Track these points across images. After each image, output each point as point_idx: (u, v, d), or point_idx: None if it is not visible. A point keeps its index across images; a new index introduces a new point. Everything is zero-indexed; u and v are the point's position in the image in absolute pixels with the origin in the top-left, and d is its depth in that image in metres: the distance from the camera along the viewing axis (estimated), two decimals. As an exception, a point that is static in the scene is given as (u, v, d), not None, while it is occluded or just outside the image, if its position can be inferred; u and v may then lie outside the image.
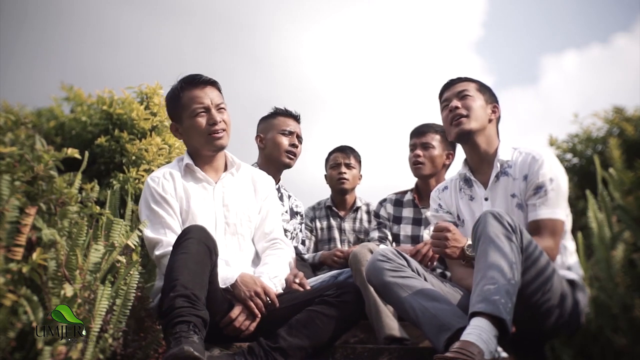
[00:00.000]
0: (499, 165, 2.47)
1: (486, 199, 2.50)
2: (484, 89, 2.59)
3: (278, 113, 3.44)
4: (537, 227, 2.33)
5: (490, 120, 2.53)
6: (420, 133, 3.41)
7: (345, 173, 3.94)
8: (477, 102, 2.53)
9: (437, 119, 3.58)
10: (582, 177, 2.90)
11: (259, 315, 2.39)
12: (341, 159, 3.97)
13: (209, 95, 2.64)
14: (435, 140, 3.38)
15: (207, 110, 2.62)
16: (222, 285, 2.39)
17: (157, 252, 2.48)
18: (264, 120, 3.49)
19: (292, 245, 2.75)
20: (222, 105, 2.66)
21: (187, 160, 2.66)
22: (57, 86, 3.42)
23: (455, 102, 2.52)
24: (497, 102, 2.59)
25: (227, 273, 2.43)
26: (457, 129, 2.50)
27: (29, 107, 3.14)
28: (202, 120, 2.61)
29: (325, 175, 4.14)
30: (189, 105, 2.63)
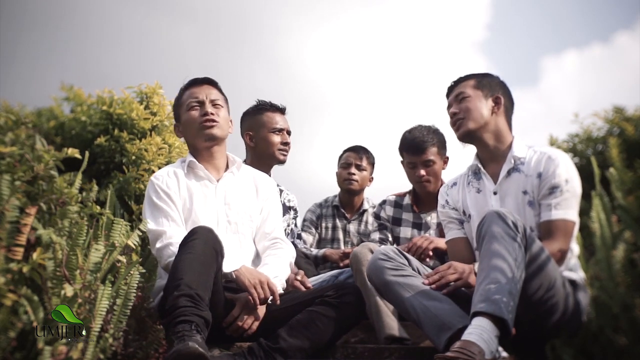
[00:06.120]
0: (512, 160, 2.44)
1: (495, 193, 2.46)
2: (482, 83, 2.55)
3: (264, 108, 3.34)
4: (550, 228, 2.31)
5: (493, 113, 2.50)
6: (418, 151, 3.28)
7: (354, 174, 3.84)
8: (474, 101, 2.51)
9: (441, 118, 3.61)
10: (582, 177, 2.89)
11: (258, 304, 2.38)
12: (352, 159, 3.86)
13: (204, 91, 2.72)
14: (433, 154, 3.30)
15: (201, 104, 2.69)
16: (225, 270, 2.37)
17: (158, 245, 2.46)
18: (249, 116, 3.37)
19: (291, 244, 2.75)
20: (218, 102, 2.72)
21: (190, 158, 2.70)
22: (57, 86, 3.44)
23: (454, 108, 2.54)
24: (500, 91, 2.53)
25: (228, 264, 2.42)
26: (458, 132, 2.54)
27: (29, 107, 3.15)
28: (195, 113, 2.69)
29: (336, 173, 4.00)
30: (186, 101, 2.73)
